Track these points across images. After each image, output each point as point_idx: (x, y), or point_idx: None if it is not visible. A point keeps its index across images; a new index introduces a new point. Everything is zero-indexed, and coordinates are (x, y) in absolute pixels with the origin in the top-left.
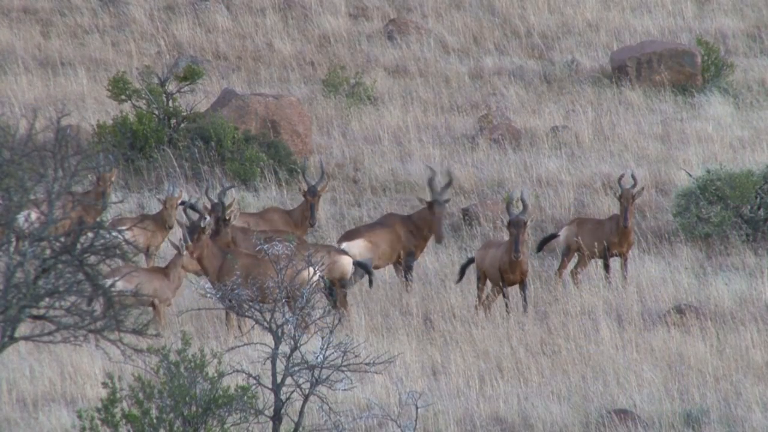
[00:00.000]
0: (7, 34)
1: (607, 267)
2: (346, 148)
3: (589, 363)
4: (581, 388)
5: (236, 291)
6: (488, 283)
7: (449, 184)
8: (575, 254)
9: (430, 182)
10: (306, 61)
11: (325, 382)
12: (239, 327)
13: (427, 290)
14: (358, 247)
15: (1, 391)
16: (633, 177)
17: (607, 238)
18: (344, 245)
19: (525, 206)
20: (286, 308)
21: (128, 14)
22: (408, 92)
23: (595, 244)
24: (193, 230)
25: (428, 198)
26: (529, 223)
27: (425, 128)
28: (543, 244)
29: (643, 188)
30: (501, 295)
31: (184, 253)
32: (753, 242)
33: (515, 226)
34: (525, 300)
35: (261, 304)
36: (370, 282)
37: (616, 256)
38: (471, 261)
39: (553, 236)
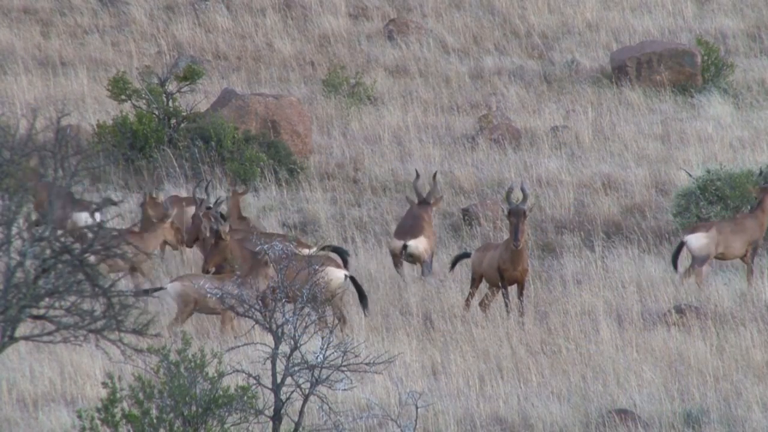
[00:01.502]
0: (8, 34)
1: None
2: (346, 148)
3: (590, 363)
4: (581, 388)
5: (237, 291)
6: (485, 285)
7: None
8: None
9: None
10: (306, 61)
11: (325, 382)
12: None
13: (427, 290)
14: (422, 243)
15: (1, 390)
16: (523, 190)
17: (754, 236)
18: (411, 242)
19: (525, 196)
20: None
21: (128, 14)
22: (408, 92)
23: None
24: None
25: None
26: (528, 213)
27: (425, 128)
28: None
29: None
30: (501, 296)
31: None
32: None
33: (515, 215)
34: (522, 306)
35: (272, 305)
36: (362, 299)
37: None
38: (465, 255)
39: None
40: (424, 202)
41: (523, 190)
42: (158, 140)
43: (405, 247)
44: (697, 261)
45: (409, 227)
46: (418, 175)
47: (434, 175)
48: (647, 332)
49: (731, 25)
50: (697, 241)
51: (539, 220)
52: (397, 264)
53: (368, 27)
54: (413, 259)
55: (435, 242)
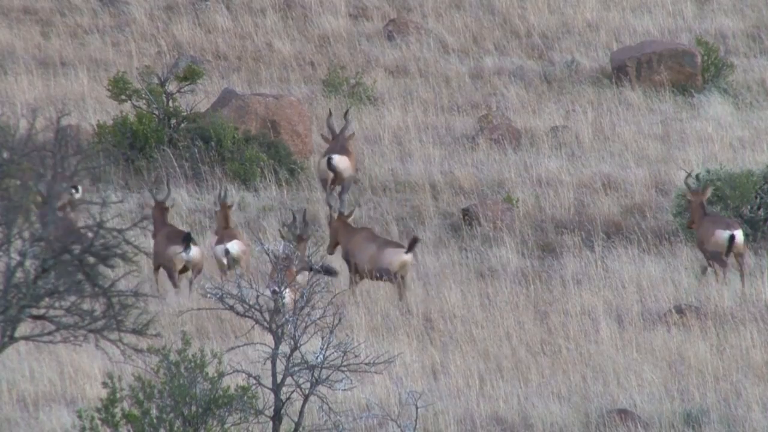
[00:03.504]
0: (8, 35)
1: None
2: None
3: (590, 363)
4: (581, 388)
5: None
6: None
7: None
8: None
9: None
10: (306, 61)
11: (325, 382)
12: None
13: (427, 290)
14: (345, 162)
15: (1, 391)
16: (296, 221)
17: None
18: (335, 156)
19: (296, 228)
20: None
21: (128, 14)
22: (408, 92)
23: None
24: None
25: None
26: (305, 237)
27: (425, 128)
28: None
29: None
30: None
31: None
32: (753, 242)
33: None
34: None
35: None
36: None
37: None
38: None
39: None
40: (337, 137)
41: (295, 219)
42: (158, 140)
43: (330, 159)
44: (743, 257)
45: (336, 148)
46: (330, 113)
47: (346, 113)
48: (647, 332)
49: (731, 25)
50: (741, 236)
51: (539, 220)
52: (326, 188)
53: (368, 27)
54: (336, 176)
55: (355, 168)
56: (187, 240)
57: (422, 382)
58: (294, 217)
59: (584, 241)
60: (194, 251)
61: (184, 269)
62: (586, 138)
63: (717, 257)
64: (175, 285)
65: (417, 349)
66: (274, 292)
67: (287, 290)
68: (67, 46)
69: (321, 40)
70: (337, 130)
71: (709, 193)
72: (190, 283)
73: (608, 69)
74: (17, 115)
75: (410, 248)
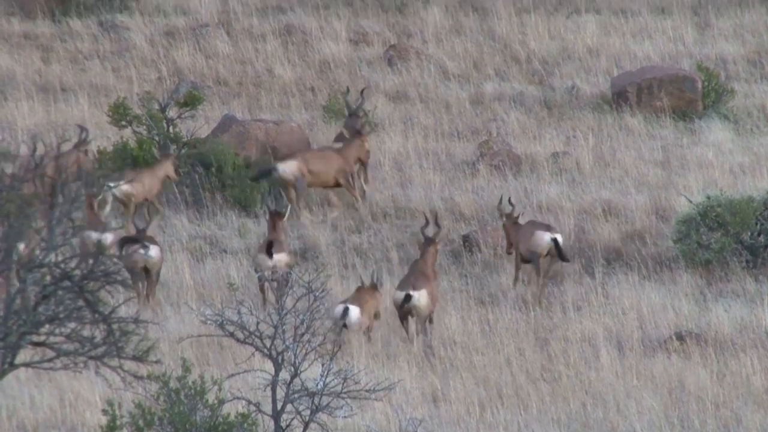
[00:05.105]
0: (8, 60)
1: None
2: None
3: (590, 390)
4: (581, 415)
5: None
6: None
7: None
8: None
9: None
10: (306, 86)
11: (325, 409)
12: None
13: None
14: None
15: (2, 418)
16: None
17: None
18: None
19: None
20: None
21: (129, 40)
22: (408, 118)
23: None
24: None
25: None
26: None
27: (426, 154)
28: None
29: None
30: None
31: None
32: (753, 269)
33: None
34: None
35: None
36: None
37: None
38: None
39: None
40: (353, 114)
41: (427, 222)
42: None
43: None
44: (557, 263)
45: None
46: (348, 90)
47: (362, 90)
48: (647, 359)
49: (732, 51)
50: (560, 240)
51: None
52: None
53: (368, 53)
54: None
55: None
56: (142, 240)
57: (422, 408)
58: (426, 221)
59: (584, 268)
60: (153, 250)
61: (146, 271)
62: (586, 164)
63: (534, 258)
64: (139, 290)
65: (417, 376)
66: (345, 309)
67: (355, 307)
68: (67, 71)
69: (321, 66)
70: (354, 106)
71: (519, 215)
72: (151, 289)
73: (608, 95)
74: (18, 140)
75: (267, 251)
